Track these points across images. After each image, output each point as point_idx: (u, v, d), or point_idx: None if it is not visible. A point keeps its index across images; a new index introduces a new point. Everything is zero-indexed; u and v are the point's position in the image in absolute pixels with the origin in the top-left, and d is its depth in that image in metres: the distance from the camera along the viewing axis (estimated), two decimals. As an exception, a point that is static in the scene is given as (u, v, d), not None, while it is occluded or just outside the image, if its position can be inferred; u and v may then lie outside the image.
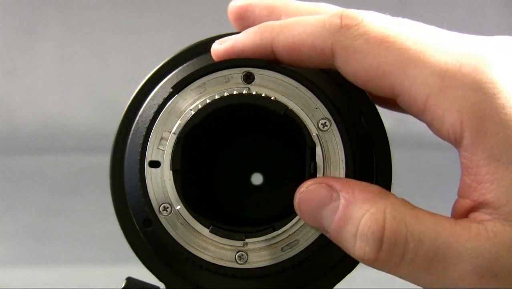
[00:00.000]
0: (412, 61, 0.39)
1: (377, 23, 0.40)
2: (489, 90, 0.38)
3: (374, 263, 0.39)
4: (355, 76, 0.41)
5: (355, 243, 0.39)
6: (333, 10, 0.43)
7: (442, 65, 0.39)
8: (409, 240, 0.38)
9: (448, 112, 0.39)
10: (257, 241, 0.43)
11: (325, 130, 0.42)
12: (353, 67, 0.40)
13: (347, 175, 0.42)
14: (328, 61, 0.41)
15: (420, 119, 0.41)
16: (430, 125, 0.40)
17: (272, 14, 0.45)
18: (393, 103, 0.42)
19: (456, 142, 0.39)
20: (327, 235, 0.41)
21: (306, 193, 0.41)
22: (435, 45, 0.40)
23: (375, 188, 0.40)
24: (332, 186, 0.40)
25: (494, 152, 0.38)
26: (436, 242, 0.38)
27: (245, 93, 0.42)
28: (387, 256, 0.39)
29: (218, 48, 0.43)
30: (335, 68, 0.41)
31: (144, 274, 0.46)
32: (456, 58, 0.39)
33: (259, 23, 0.44)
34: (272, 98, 0.42)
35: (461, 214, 0.40)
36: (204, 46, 0.46)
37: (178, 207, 0.43)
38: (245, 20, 0.46)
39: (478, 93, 0.38)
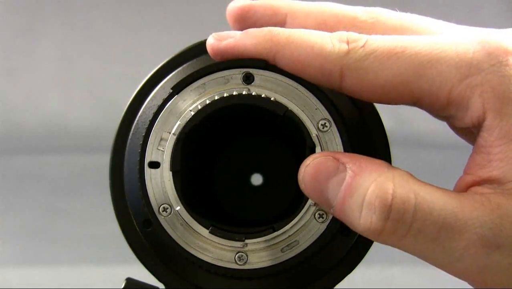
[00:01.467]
0: (425, 62, 0.39)
1: (382, 38, 0.40)
2: (506, 72, 0.39)
3: (379, 234, 0.39)
4: (371, 93, 0.40)
5: (361, 213, 0.39)
6: (338, 9, 0.43)
7: (455, 57, 0.39)
8: (418, 209, 0.38)
9: (471, 99, 0.39)
10: (257, 242, 0.43)
11: (325, 131, 0.42)
12: (366, 86, 0.40)
13: None
14: (334, 83, 0.41)
15: (442, 116, 0.42)
16: (453, 118, 0.41)
17: (276, 15, 0.45)
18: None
19: (479, 125, 0.40)
20: (331, 211, 0.41)
21: (312, 165, 0.41)
22: (444, 39, 0.40)
23: (381, 161, 0.40)
24: (339, 159, 0.40)
25: (510, 132, 0.38)
26: (443, 212, 0.38)
27: (244, 94, 0.42)
28: (394, 226, 0.38)
29: (218, 45, 0.43)
30: (337, 88, 0.41)
31: (144, 275, 0.46)
32: (467, 47, 0.39)
33: (261, 24, 0.44)
34: (272, 99, 0.42)
35: (463, 188, 0.40)
36: (203, 47, 0.46)
37: (178, 208, 0.43)
38: (246, 21, 0.45)
39: (496, 76, 0.39)
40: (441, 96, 0.40)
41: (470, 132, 0.42)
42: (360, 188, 0.39)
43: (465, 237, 0.38)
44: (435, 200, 0.38)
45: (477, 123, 0.40)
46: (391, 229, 0.39)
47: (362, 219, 0.39)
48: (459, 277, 0.40)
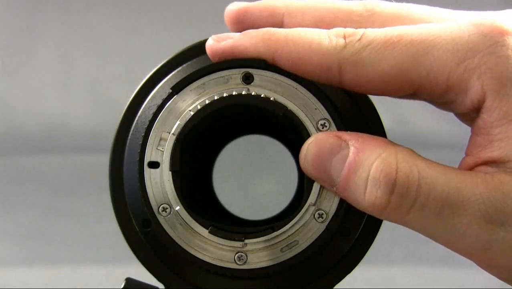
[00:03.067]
0: (421, 50, 0.40)
1: (378, 30, 0.41)
2: (503, 52, 0.39)
3: (384, 209, 0.39)
4: (370, 86, 0.41)
5: (365, 189, 0.39)
6: (334, 5, 0.43)
7: (450, 41, 0.39)
8: (421, 183, 0.38)
9: (470, 82, 0.39)
10: (257, 242, 0.43)
11: (325, 131, 0.42)
12: (365, 79, 0.40)
13: None
14: (333, 78, 0.41)
15: (443, 103, 0.42)
16: (454, 103, 0.41)
17: (274, 15, 0.45)
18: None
19: (479, 107, 0.40)
20: (334, 189, 0.41)
21: (315, 143, 0.41)
22: (439, 26, 0.40)
23: (383, 138, 0.41)
24: (341, 136, 0.40)
25: (509, 112, 0.39)
26: (446, 187, 0.38)
27: (244, 94, 0.42)
28: (399, 201, 0.38)
29: (217, 46, 0.43)
30: (337, 84, 0.41)
31: (144, 275, 0.46)
32: (462, 31, 0.40)
33: (259, 25, 0.44)
34: (271, 99, 0.42)
35: (466, 168, 0.40)
36: (203, 47, 0.46)
37: (177, 208, 0.43)
38: (244, 23, 0.45)
39: (493, 57, 0.39)
40: (440, 82, 0.40)
41: (472, 117, 0.42)
42: (364, 163, 0.39)
43: (468, 213, 0.38)
44: (439, 174, 0.39)
45: (477, 106, 0.40)
46: (396, 203, 0.39)
47: (367, 194, 0.39)
48: (463, 254, 0.40)
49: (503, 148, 0.39)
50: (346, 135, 0.40)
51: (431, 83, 0.40)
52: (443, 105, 0.42)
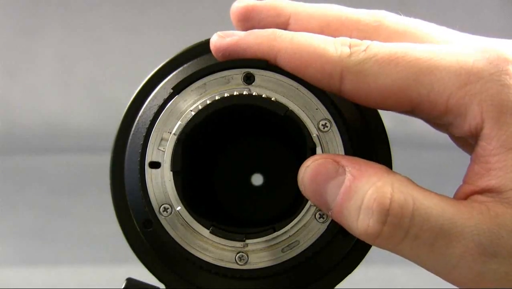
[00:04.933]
0: (425, 69, 0.39)
1: (384, 44, 0.40)
2: (506, 81, 0.39)
3: (376, 238, 0.39)
4: (369, 98, 0.41)
5: (358, 216, 0.39)
6: (341, 12, 0.43)
7: (455, 64, 0.39)
8: (415, 214, 0.38)
9: (470, 107, 0.39)
10: (258, 242, 0.43)
11: (326, 131, 0.42)
12: (365, 90, 0.40)
13: None
14: (334, 85, 0.41)
15: (441, 125, 0.42)
16: (451, 126, 0.41)
17: (280, 15, 0.45)
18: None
19: (476, 134, 0.39)
20: (329, 214, 0.41)
21: (312, 167, 0.41)
22: (445, 47, 0.40)
23: (381, 165, 0.40)
24: (339, 162, 0.40)
25: (508, 141, 0.38)
26: (441, 218, 0.38)
27: (245, 94, 0.42)
28: (392, 231, 0.38)
29: (221, 42, 0.43)
30: (337, 91, 0.41)
31: (144, 275, 0.46)
32: (468, 55, 0.39)
33: (265, 24, 0.44)
34: (272, 99, 0.42)
35: (462, 198, 0.40)
36: (204, 47, 0.46)
37: (179, 208, 0.43)
38: (250, 21, 0.45)
39: (496, 85, 0.39)
40: (439, 103, 0.39)
41: (469, 143, 0.42)
42: (358, 191, 0.39)
43: (462, 244, 0.38)
44: (434, 206, 0.38)
45: (475, 132, 0.39)
46: (388, 233, 0.38)
47: (360, 222, 0.39)
48: (455, 284, 0.40)
49: (500, 177, 0.38)
50: (344, 160, 0.40)
51: (430, 103, 0.40)
52: (441, 127, 0.42)
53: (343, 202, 0.40)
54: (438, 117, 0.40)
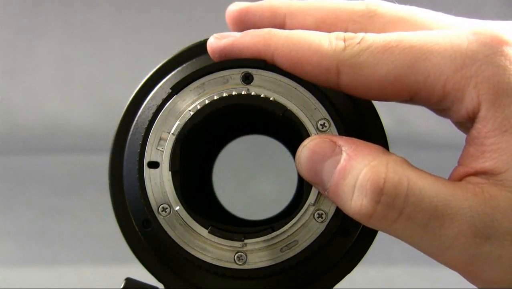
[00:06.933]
0: (420, 55, 0.39)
1: (378, 35, 0.40)
2: (501, 63, 0.39)
3: (370, 218, 0.39)
4: (367, 90, 0.41)
5: (352, 196, 0.39)
6: (335, 5, 0.43)
7: (449, 49, 0.39)
8: (410, 194, 0.38)
9: (466, 90, 0.39)
10: (256, 242, 0.43)
11: (324, 131, 0.42)
12: (362, 82, 0.40)
13: None
14: (331, 80, 0.41)
15: (440, 110, 0.42)
16: (450, 110, 0.41)
17: (275, 15, 0.45)
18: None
19: (474, 117, 0.39)
20: (325, 194, 0.41)
21: (309, 146, 0.41)
22: (439, 32, 0.40)
23: (377, 146, 0.40)
24: (336, 141, 0.40)
25: (503, 123, 0.38)
26: (435, 199, 0.38)
27: (244, 94, 0.42)
28: (385, 210, 0.38)
29: (217, 43, 0.43)
30: (335, 86, 0.41)
31: (144, 275, 0.46)
32: (461, 39, 0.40)
33: (260, 25, 0.44)
34: (271, 99, 0.42)
35: (457, 179, 0.40)
36: (203, 47, 0.46)
37: (177, 208, 0.43)
38: (245, 24, 0.45)
39: (491, 66, 0.39)
40: (437, 88, 0.40)
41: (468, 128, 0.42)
42: (353, 170, 0.39)
43: (456, 226, 0.38)
44: (428, 186, 0.38)
45: (472, 115, 0.40)
46: (382, 213, 0.38)
47: (353, 201, 0.39)
48: (448, 266, 0.40)
49: (495, 159, 0.39)
50: (340, 140, 0.40)
51: (428, 90, 0.40)
52: (441, 112, 0.42)
53: (338, 181, 0.40)
54: (437, 103, 0.40)
